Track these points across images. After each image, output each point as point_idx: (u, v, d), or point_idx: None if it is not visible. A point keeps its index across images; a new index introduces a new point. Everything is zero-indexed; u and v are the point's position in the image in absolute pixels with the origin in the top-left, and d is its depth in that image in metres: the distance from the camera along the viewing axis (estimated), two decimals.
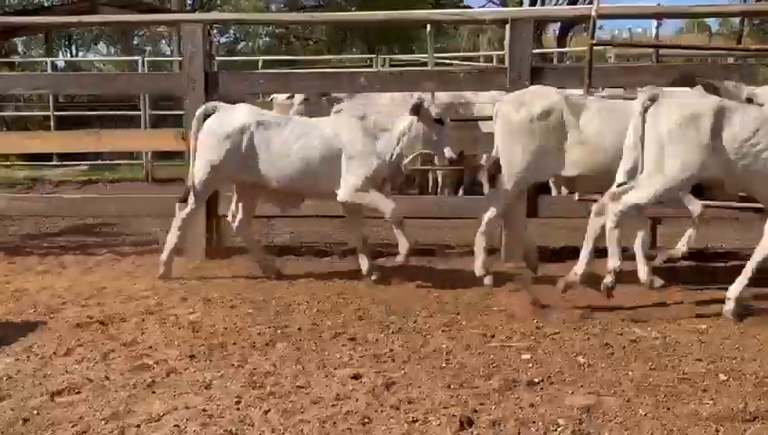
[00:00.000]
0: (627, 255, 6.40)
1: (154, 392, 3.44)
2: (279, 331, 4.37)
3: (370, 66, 14.86)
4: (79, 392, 3.45)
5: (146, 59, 15.09)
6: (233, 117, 5.52)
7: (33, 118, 15.31)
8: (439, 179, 9.55)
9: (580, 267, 4.99)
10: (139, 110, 12.98)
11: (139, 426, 3.08)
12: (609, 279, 4.81)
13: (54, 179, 12.70)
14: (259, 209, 6.70)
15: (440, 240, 7.32)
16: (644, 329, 4.40)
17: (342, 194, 5.45)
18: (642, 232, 5.07)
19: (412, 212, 6.24)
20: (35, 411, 3.23)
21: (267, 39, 32.87)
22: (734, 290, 4.63)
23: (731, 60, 12.56)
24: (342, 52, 25.96)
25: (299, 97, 9.45)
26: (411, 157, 5.65)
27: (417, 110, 5.45)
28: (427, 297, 5.14)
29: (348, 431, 3.03)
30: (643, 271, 4.93)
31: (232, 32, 34.76)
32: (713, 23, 39.38)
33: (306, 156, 5.44)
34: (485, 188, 8.96)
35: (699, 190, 8.98)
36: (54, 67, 16.17)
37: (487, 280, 5.40)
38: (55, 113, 13.70)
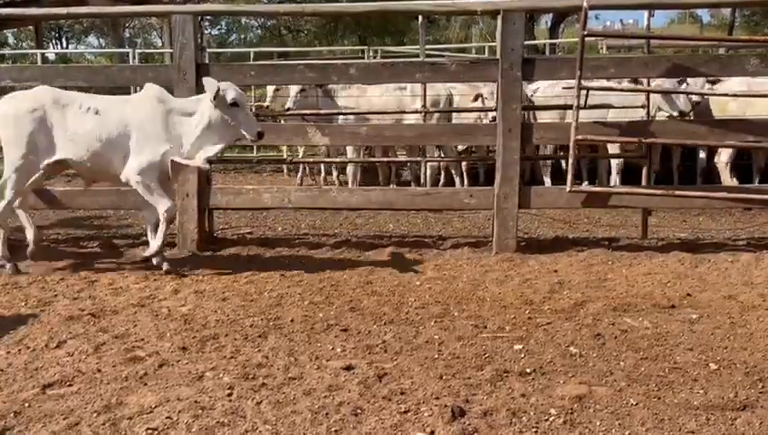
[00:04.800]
0: (620, 245, 6.46)
1: (146, 384, 3.44)
2: (271, 323, 4.37)
3: (362, 58, 14.85)
4: (70, 385, 3.44)
5: (136, 51, 15.04)
6: None
7: None
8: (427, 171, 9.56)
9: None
10: None
11: (131, 418, 3.08)
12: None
13: None
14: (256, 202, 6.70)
15: (432, 231, 7.34)
16: (635, 319, 4.42)
17: None
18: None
19: None
20: (27, 404, 3.22)
21: (259, 31, 32.85)
22: None
23: (722, 51, 12.58)
24: (334, 44, 25.93)
25: (294, 88, 9.48)
26: None
27: None
28: (420, 288, 5.15)
29: (340, 422, 3.04)
30: None
31: (223, 24, 34.75)
32: (704, 14, 39.49)
33: None
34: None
35: (693, 180, 9.09)
36: (45, 59, 16.07)
37: None
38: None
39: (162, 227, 5.49)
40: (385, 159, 10.08)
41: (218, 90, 5.34)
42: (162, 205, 5.46)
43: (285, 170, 11.96)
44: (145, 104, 5.54)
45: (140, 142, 5.44)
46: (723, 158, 8.80)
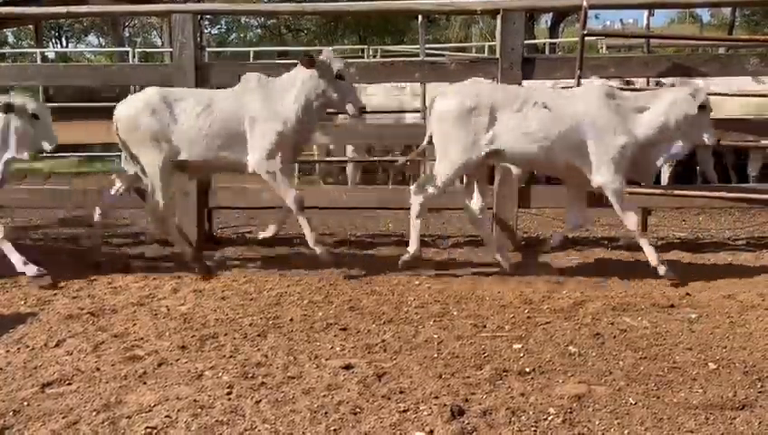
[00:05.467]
0: (620, 245, 6.46)
1: (145, 383, 3.44)
2: (270, 322, 4.37)
3: (362, 57, 14.85)
4: (70, 383, 3.45)
5: (136, 50, 15.04)
6: None
7: None
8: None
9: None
10: None
11: (130, 417, 3.08)
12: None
13: (45, 171, 12.63)
14: (255, 202, 6.69)
15: (432, 231, 7.33)
16: (634, 319, 4.42)
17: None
18: None
19: None
20: (26, 403, 3.22)
21: (259, 30, 32.84)
22: None
23: (722, 50, 12.56)
24: (334, 43, 25.91)
25: None
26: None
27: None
28: (419, 287, 5.14)
29: (339, 421, 3.04)
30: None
31: (223, 23, 34.73)
32: (704, 14, 39.48)
33: None
34: None
35: (692, 178, 9.10)
36: (45, 58, 16.08)
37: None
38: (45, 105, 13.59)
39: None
40: (385, 159, 10.05)
41: (696, 94, 5.08)
42: (630, 219, 5.33)
43: None
44: (595, 99, 5.21)
45: (596, 140, 5.14)
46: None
